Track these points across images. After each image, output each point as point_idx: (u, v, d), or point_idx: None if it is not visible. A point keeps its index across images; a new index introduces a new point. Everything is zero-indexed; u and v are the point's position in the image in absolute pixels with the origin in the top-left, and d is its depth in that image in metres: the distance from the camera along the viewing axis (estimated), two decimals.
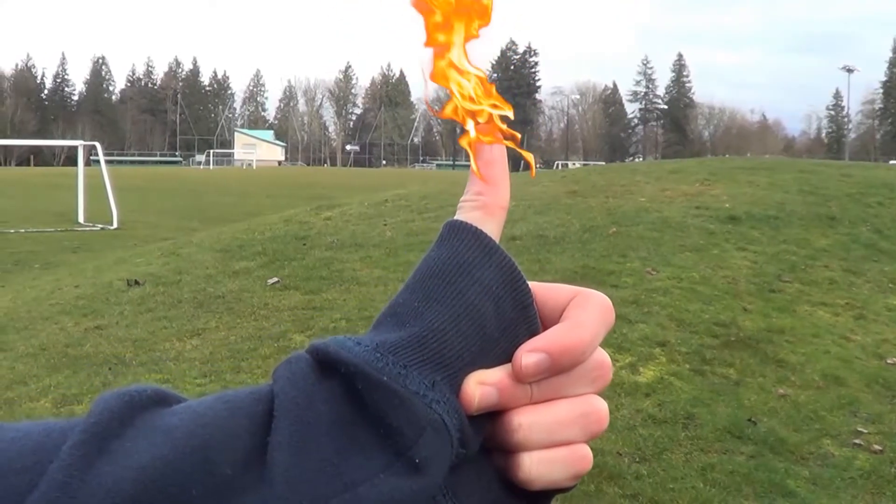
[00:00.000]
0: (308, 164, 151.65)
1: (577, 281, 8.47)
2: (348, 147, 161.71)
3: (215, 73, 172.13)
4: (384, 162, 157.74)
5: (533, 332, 0.58)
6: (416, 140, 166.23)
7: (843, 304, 8.68)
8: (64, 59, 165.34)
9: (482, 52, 0.62)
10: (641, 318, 7.66)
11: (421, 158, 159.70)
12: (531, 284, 0.60)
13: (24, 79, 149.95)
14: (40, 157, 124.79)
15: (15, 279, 12.89)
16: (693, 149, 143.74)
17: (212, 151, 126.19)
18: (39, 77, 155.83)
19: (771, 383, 6.58)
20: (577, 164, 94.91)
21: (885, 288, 9.41)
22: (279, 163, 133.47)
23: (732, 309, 8.12)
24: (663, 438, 5.57)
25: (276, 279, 9.01)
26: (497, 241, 0.59)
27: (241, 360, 6.78)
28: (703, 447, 5.48)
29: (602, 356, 0.61)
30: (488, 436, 0.57)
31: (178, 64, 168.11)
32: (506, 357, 0.57)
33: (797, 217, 11.89)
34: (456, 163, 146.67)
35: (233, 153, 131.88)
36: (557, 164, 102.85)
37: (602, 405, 0.60)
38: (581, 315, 0.59)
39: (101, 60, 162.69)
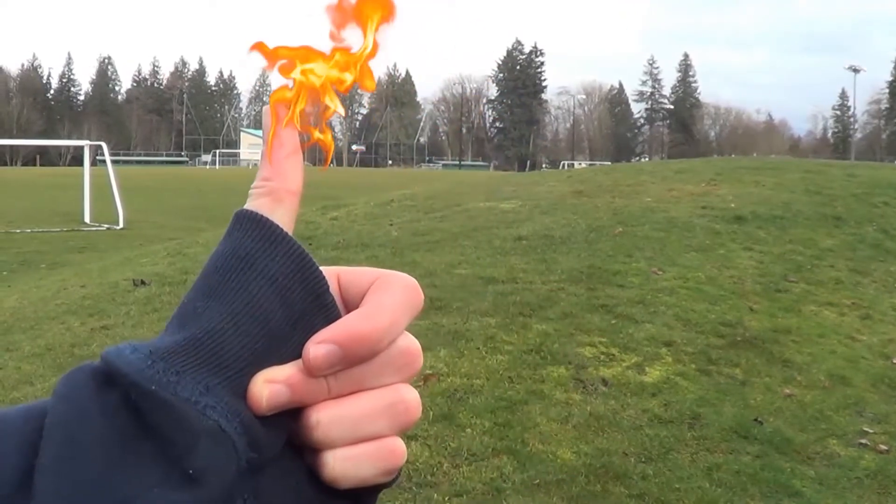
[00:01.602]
0: (314, 164, 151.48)
1: (583, 281, 8.48)
2: (354, 147, 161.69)
3: (221, 72, 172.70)
4: (390, 162, 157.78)
5: (331, 322, 0.54)
6: (421, 140, 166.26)
7: (849, 303, 8.67)
8: (70, 58, 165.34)
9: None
10: (647, 318, 7.66)
11: (427, 158, 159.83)
12: (334, 269, 0.58)
13: (30, 78, 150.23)
14: (46, 157, 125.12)
15: (21, 279, 12.92)
16: (699, 149, 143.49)
17: (218, 151, 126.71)
18: (45, 77, 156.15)
19: (777, 383, 6.57)
20: (583, 164, 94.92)
21: (891, 288, 9.40)
22: None
23: (738, 309, 8.11)
24: (669, 438, 5.57)
25: None
26: (288, 229, 0.55)
27: None
28: (709, 447, 5.48)
29: (408, 342, 0.57)
30: (294, 434, 0.54)
31: (184, 64, 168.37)
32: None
33: (803, 217, 11.88)
34: (462, 163, 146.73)
35: (239, 153, 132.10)
36: (563, 164, 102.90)
37: (411, 394, 0.57)
38: (379, 299, 0.56)
39: (107, 60, 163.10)
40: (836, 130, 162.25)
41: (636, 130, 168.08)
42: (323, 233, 11.43)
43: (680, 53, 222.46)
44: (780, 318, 7.97)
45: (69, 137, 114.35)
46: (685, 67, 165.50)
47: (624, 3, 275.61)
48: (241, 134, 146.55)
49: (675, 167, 17.37)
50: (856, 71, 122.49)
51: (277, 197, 0.56)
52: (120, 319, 8.14)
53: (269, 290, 0.52)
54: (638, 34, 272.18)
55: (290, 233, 0.55)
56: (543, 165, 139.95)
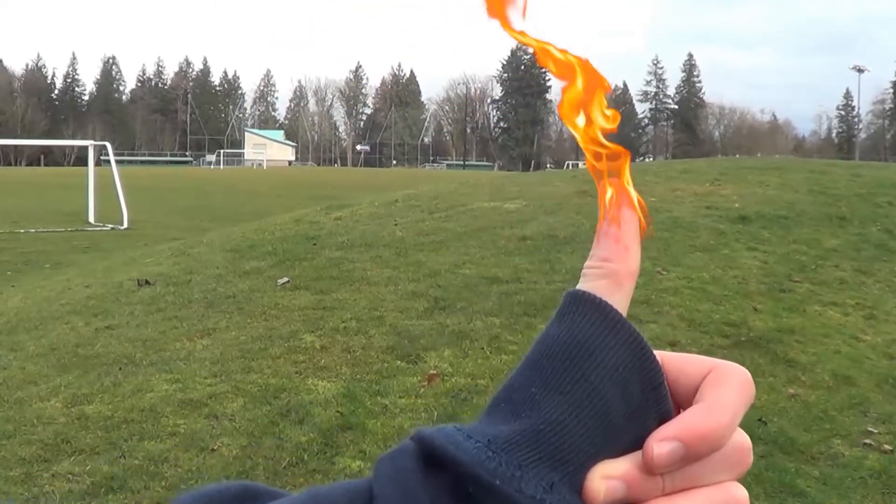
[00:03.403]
0: (318, 164, 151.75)
1: None
2: (358, 147, 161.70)
3: (226, 72, 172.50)
4: (394, 162, 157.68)
5: (664, 415, 0.52)
6: (426, 140, 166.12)
7: (853, 303, 8.66)
8: (74, 58, 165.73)
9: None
10: (652, 318, 7.65)
11: (431, 158, 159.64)
12: (660, 356, 0.55)
13: (35, 78, 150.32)
14: (51, 157, 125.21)
15: (25, 279, 12.95)
16: (703, 149, 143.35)
17: (222, 151, 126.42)
18: (50, 77, 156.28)
19: (781, 383, 6.56)
20: None
21: (895, 288, 9.39)
22: (289, 163, 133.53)
23: (743, 309, 8.10)
24: None
25: (286, 279, 9.02)
26: (624, 314, 0.53)
27: (252, 360, 6.78)
28: None
29: (742, 438, 0.55)
30: None
31: (188, 64, 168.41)
32: (634, 444, 0.51)
33: (807, 217, 11.86)
34: (466, 163, 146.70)
35: (243, 153, 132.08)
36: (568, 164, 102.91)
37: (742, 494, 0.55)
38: (719, 395, 0.53)
39: (111, 60, 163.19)
40: (840, 130, 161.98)
41: (640, 130, 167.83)
42: (327, 233, 11.43)
43: (684, 53, 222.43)
44: (785, 318, 7.97)
45: (73, 137, 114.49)
46: (689, 67, 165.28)
47: (628, 2, 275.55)
48: (246, 134, 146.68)
49: (679, 167, 17.37)
50: (860, 71, 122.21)
51: (617, 280, 0.54)
52: (124, 319, 8.14)
53: (610, 381, 0.51)
54: (642, 34, 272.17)
55: (625, 317, 0.53)
56: (548, 166, 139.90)
